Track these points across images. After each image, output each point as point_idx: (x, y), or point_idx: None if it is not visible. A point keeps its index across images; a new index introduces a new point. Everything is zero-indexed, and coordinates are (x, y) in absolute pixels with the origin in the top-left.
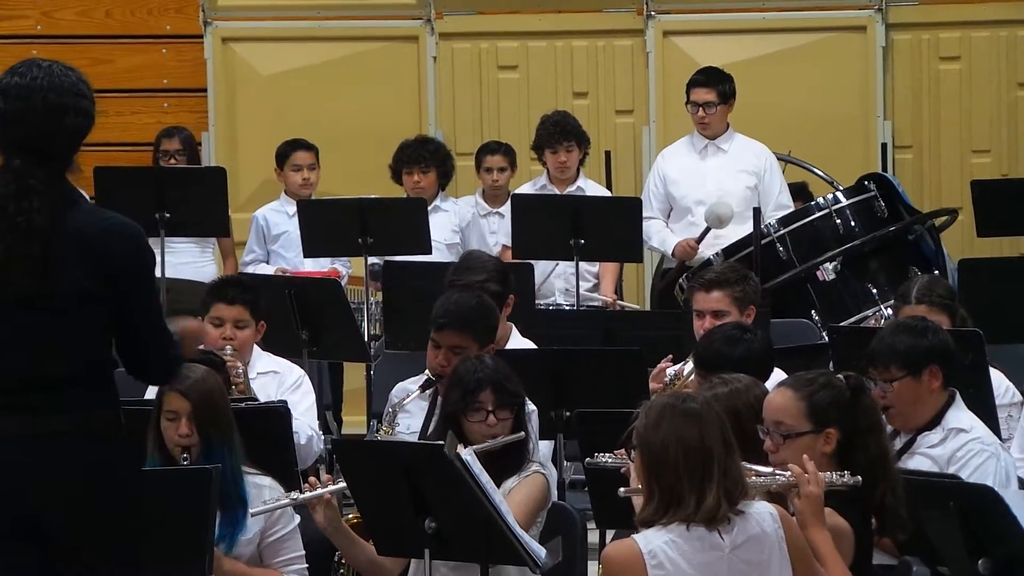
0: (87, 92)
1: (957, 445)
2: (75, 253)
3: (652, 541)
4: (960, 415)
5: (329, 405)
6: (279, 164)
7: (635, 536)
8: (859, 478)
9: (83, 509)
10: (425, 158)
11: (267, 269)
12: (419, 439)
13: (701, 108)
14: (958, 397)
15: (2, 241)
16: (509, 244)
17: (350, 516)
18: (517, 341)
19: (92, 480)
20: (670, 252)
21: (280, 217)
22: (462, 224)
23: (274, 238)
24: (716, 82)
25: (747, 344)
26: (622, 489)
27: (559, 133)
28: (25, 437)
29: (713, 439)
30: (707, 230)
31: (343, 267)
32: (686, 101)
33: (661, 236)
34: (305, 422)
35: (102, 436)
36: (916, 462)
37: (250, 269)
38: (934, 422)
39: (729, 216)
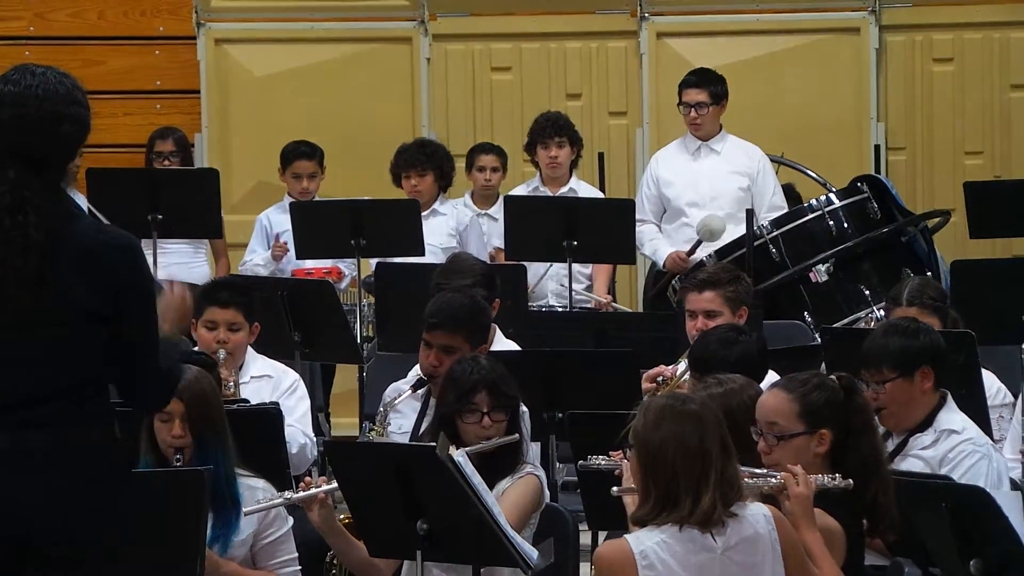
0: (82, 99)
1: (949, 446)
2: (74, 268)
3: (644, 541)
4: (952, 416)
5: (322, 407)
6: (282, 166)
7: (627, 536)
8: (850, 481)
9: (66, 523)
10: (422, 161)
11: (261, 259)
12: (410, 439)
13: (693, 109)
14: (950, 398)
15: None
16: (502, 246)
17: (341, 517)
18: (501, 343)
19: (77, 496)
20: (662, 263)
21: (283, 217)
22: (460, 228)
23: (276, 237)
24: (708, 83)
25: (742, 346)
26: (615, 488)
27: (551, 127)
28: (12, 452)
29: (711, 441)
30: (698, 243)
31: (347, 268)
32: (678, 102)
33: (654, 245)
34: (299, 429)
35: (90, 451)
36: (908, 464)
37: (246, 269)
38: (926, 423)
39: (721, 230)
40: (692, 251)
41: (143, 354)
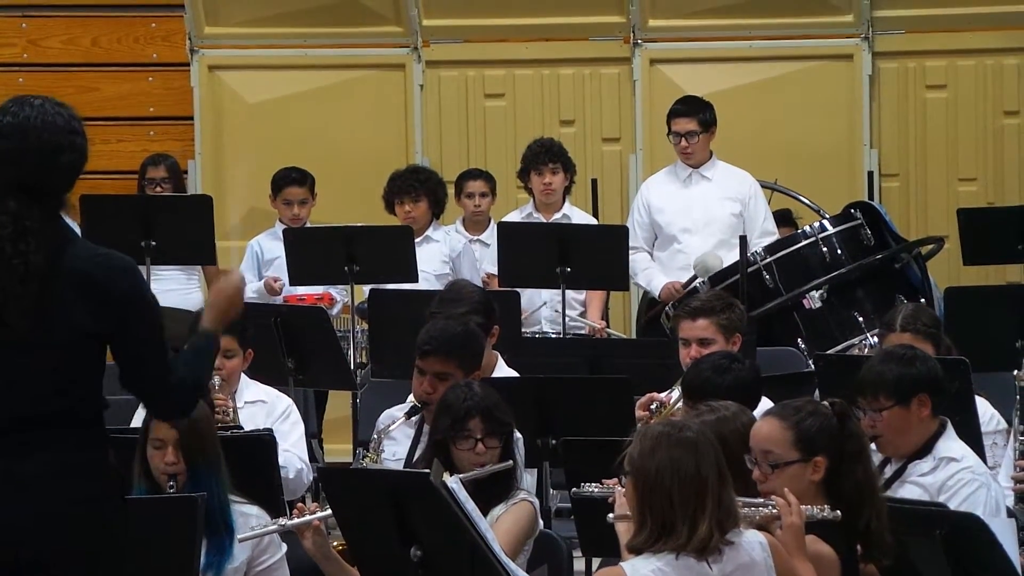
0: (80, 129)
1: (948, 474)
2: (73, 292)
3: (639, 570)
4: (951, 444)
5: (315, 433)
6: (273, 193)
7: (623, 564)
8: (839, 513)
9: (61, 550)
10: (415, 187)
11: (253, 290)
12: (404, 466)
13: (683, 138)
14: (949, 426)
15: None
16: (495, 272)
17: (334, 544)
18: (503, 371)
19: (71, 520)
20: (657, 293)
21: (274, 243)
22: (452, 254)
23: (268, 263)
24: (696, 111)
25: (736, 373)
26: (611, 515)
27: (545, 153)
28: (6, 476)
29: (708, 469)
30: (694, 278)
31: (338, 294)
32: (668, 132)
33: (648, 275)
34: (294, 454)
35: (84, 476)
36: (907, 490)
37: None
38: (925, 450)
39: (717, 268)
40: (688, 284)
41: (152, 368)
